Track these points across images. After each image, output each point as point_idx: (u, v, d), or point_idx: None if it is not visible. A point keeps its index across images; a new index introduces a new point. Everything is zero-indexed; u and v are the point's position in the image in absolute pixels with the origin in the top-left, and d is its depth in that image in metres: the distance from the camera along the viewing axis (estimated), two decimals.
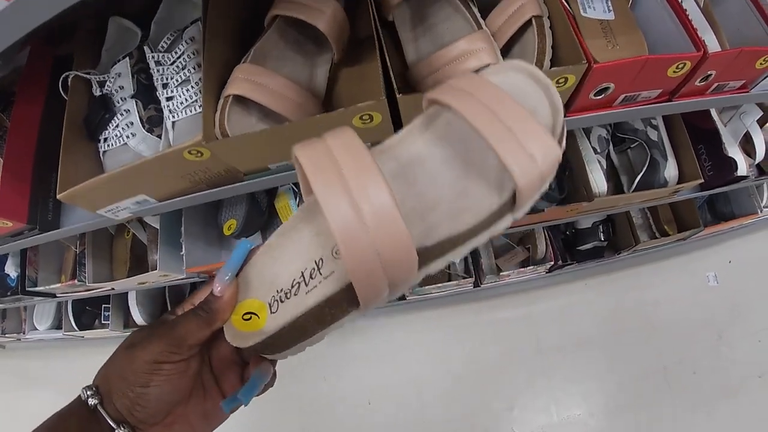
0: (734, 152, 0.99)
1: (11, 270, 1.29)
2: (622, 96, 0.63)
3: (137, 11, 0.76)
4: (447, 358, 1.42)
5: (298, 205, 0.88)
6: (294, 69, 0.61)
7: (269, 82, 0.55)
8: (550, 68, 0.55)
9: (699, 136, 1.01)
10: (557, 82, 0.55)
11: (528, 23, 0.58)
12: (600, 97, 0.61)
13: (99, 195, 0.66)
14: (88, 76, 0.74)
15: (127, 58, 0.73)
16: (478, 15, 0.59)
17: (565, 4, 0.62)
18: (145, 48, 0.70)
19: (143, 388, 0.33)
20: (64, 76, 0.74)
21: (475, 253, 1.16)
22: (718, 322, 1.45)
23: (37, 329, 1.64)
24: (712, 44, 0.69)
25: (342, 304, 0.32)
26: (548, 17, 0.59)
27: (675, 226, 1.25)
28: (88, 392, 0.33)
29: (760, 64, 0.68)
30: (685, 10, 0.67)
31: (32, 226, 0.79)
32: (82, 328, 1.51)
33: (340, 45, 0.58)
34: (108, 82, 0.72)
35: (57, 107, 0.74)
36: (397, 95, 0.51)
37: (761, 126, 1.07)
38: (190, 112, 0.65)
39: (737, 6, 0.72)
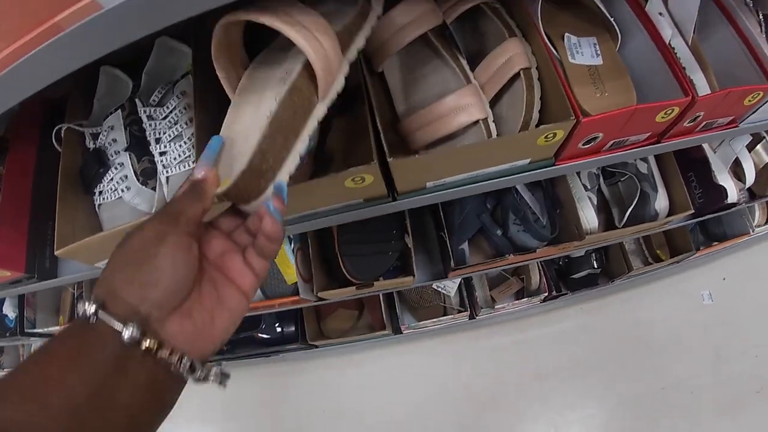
0: (724, 179, 1.01)
1: (9, 310, 1.30)
2: (611, 142, 0.64)
3: (127, 60, 0.77)
4: (445, 386, 1.42)
5: (293, 251, 0.88)
6: None
7: None
8: (539, 126, 0.55)
9: (689, 164, 1.02)
10: (546, 138, 0.56)
11: (516, 75, 0.59)
12: (589, 145, 0.62)
13: (96, 251, 0.66)
14: (80, 129, 0.74)
15: (119, 111, 0.73)
16: (467, 67, 0.60)
17: (552, 50, 0.63)
18: (137, 101, 0.70)
19: (151, 262, 0.32)
20: (57, 128, 0.75)
21: (469, 286, 1.17)
22: (714, 340, 1.46)
23: None
24: (701, 83, 0.70)
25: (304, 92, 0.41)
26: (536, 67, 0.60)
27: (668, 251, 1.26)
28: (85, 304, 0.30)
29: (749, 101, 0.69)
30: (673, 48, 0.69)
31: (30, 275, 0.79)
32: None
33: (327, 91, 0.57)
34: (101, 135, 0.73)
35: (50, 154, 0.74)
36: (389, 159, 0.51)
37: (750, 150, 1.09)
38: (184, 167, 0.65)
39: (725, 41, 0.72)
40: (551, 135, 0.56)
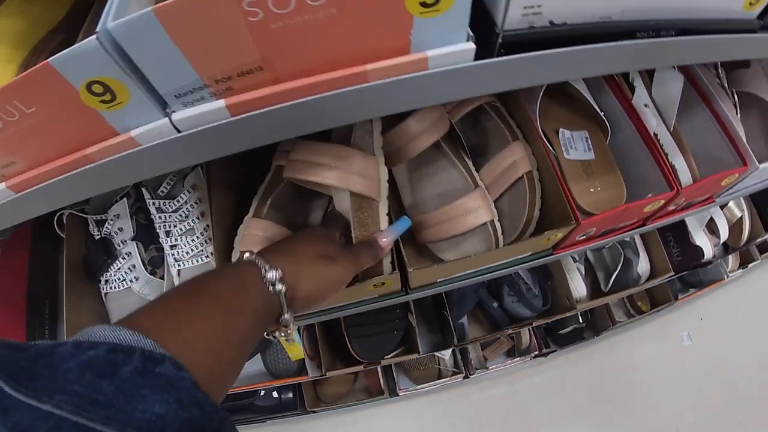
0: (700, 239, 1.08)
1: None
2: (603, 231, 0.70)
3: None
4: None
5: (299, 330, 0.90)
6: (305, 222, 0.66)
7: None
8: (539, 222, 0.61)
9: (667, 225, 1.10)
10: (548, 239, 0.61)
11: (520, 177, 0.64)
12: (583, 237, 0.67)
13: None
14: (84, 216, 0.76)
15: (125, 199, 0.75)
16: (473, 169, 0.65)
17: (549, 147, 0.68)
18: (143, 190, 0.72)
19: (322, 298, 0.46)
20: (59, 213, 0.76)
21: (462, 348, 1.21)
22: (696, 379, 1.53)
23: None
24: (681, 168, 0.76)
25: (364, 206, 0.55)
26: (537, 168, 0.65)
27: (648, 302, 1.34)
28: (276, 274, 0.41)
29: (725, 182, 0.76)
30: (657, 136, 0.75)
31: None
32: None
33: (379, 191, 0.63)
34: (107, 224, 0.74)
35: (46, 234, 0.76)
36: (409, 270, 0.56)
37: (722, 207, 1.17)
38: (197, 261, 0.68)
39: (704, 124, 0.80)
40: (553, 236, 0.61)
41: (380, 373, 1.19)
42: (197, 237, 0.68)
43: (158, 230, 0.71)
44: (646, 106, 0.76)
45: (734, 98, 0.82)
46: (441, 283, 0.66)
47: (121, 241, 0.74)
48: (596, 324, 1.31)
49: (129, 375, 0.27)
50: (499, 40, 0.34)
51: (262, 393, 1.15)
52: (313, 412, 1.18)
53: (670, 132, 0.77)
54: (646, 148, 0.72)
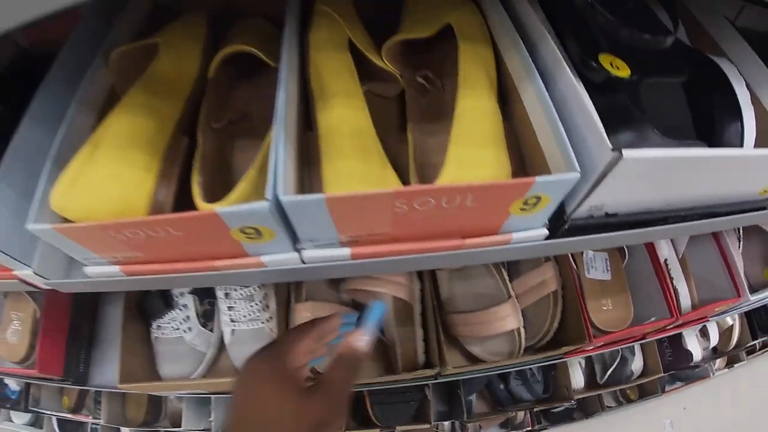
0: (692, 345, 1.20)
1: (11, 382, 1.34)
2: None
3: None
4: None
5: None
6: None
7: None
8: (563, 352, 0.71)
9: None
10: (564, 352, 0.71)
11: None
12: (590, 347, 0.78)
13: (156, 389, 0.77)
14: None
15: None
16: (508, 280, 0.75)
17: (573, 264, 0.79)
18: None
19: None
20: None
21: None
22: None
23: (12, 421, 1.63)
24: (683, 292, 0.88)
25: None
26: (562, 286, 0.76)
27: (637, 391, 1.44)
28: None
29: (720, 308, 0.87)
30: (667, 261, 0.87)
31: (66, 378, 0.88)
32: None
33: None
34: None
35: None
36: (447, 368, 0.66)
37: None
38: (253, 325, 0.77)
39: (708, 254, 0.92)
40: (568, 349, 0.72)
41: None
42: (256, 304, 0.78)
43: (218, 290, 0.80)
44: None
45: (739, 232, 0.94)
46: (466, 373, 0.76)
47: (180, 293, 0.83)
48: (586, 407, 1.40)
49: None
50: (565, 227, 0.45)
51: None
52: None
53: (678, 259, 0.88)
54: (655, 274, 0.84)
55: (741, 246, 0.94)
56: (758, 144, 0.47)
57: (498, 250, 0.44)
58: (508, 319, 0.71)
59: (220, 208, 0.34)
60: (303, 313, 0.70)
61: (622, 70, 0.44)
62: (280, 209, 0.36)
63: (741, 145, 0.48)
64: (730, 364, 1.59)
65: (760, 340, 1.41)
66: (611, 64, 0.44)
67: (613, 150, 0.34)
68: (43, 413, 1.27)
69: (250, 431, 0.36)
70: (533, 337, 0.75)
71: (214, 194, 0.39)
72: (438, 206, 0.35)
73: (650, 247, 0.86)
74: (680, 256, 0.89)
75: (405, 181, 0.42)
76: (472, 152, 0.38)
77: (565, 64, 0.40)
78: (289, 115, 0.39)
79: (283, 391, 0.37)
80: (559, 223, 0.44)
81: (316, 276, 0.48)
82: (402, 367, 0.68)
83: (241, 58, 0.47)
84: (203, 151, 0.42)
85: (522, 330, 0.72)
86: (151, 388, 0.77)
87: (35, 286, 0.48)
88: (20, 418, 1.63)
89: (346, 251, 0.43)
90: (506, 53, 0.45)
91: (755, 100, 0.47)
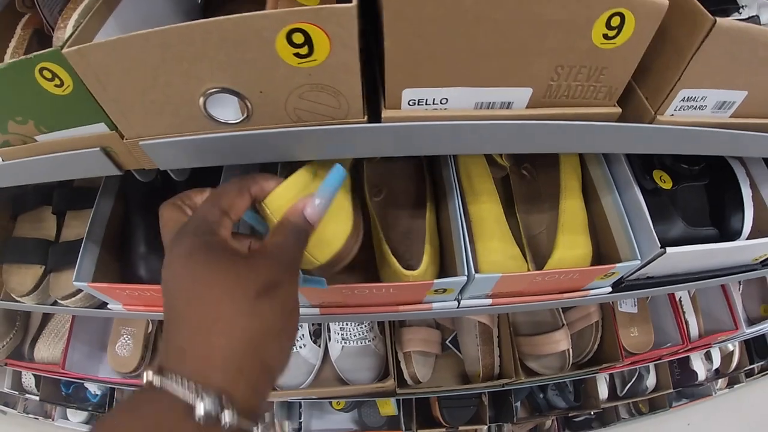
0: (698, 366, 1.45)
1: (92, 385, 1.59)
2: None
3: None
4: None
5: None
6: None
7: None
8: (600, 367, 0.96)
9: None
10: (601, 368, 0.97)
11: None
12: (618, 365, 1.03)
13: (277, 396, 1.01)
14: None
15: None
16: (561, 312, 1.00)
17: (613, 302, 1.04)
18: None
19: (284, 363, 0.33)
20: None
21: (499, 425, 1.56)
22: None
23: (68, 419, 1.85)
24: (693, 323, 1.13)
25: None
26: (602, 317, 1.02)
27: (648, 405, 1.69)
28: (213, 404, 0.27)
29: (721, 338, 1.12)
30: (680, 298, 1.12)
31: None
32: None
33: None
34: None
35: None
36: (521, 378, 0.91)
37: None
38: (361, 344, 1.01)
39: (714, 293, 1.16)
40: (607, 366, 0.97)
41: None
42: (365, 325, 1.02)
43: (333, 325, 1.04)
44: None
45: None
46: (525, 382, 1.01)
47: (300, 336, 1.05)
48: (604, 417, 1.65)
49: None
50: (622, 285, 0.70)
51: None
52: None
53: (690, 297, 1.14)
54: (671, 309, 1.09)
55: (741, 288, 1.19)
56: (755, 226, 0.70)
57: (580, 300, 0.69)
58: (560, 342, 0.96)
59: (438, 280, 0.56)
60: (408, 335, 0.95)
61: (667, 183, 0.69)
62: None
63: (741, 229, 0.72)
64: (730, 384, 1.84)
65: (758, 364, 1.67)
66: (660, 178, 0.69)
67: (660, 247, 0.59)
68: None
69: (191, 323, 0.30)
70: (578, 356, 1.00)
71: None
72: (556, 278, 0.60)
73: None
74: (691, 295, 1.15)
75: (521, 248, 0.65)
76: (572, 238, 0.63)
77: (631, 178, 0.64)
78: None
79: (222, 262, 0.32)
80: (618, 284, 0.69)
81: (458, 315, 0.73)
82: (482, 377, 0.92)
83: None
84: (379, 222, 0.63)
85: (570, 351, 0.97)
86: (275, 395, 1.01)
87: None
88: (77, 416, 1.86)
89: (489, 301, 0.66)
90: (591, 165, 0.69)
91: (757, 197, 0.71)
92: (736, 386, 1.85)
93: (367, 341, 1.02)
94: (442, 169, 0.67)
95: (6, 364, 1.33)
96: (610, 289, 0.67)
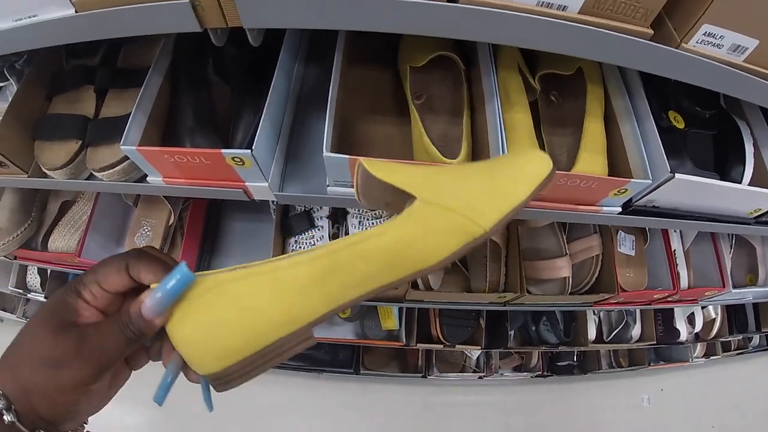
0: (681, 325, 1.62)
1: None
2: (625, 301, 1.22)
3: None
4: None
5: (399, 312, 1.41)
6: None
7: None
8: (597, 299, 1.12)
9: (660, 309, 1.64)
10: (597, 299, 1.12)
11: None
12: (613, 301, 1.19)
13: None
14: None
15: None
16: (566, 242, 1.15)
17: (613, 237, 1.20)
18: None
19: (74, 406, 0.39)
20: None
21: (488, 354, 1.73)
22: None
23: None
24: (684, 275, 1.29)
25: None
26: (602, 252, 1.17)
27: (628, 360, 1.88)
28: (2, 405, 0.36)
29: (708, 293, 1.29)
30: (674, 251, 1.28)
31: None
32: None
33: None
34: None
35: None
36: (528, 293, 1.06)
37: (702, 308, 1.72)
38: None
39: (706, 252, 1.33)
40: (600, 298, 1.13)
41: (420, 357, 1.69)
42: (382, 220, 1.16)
43: (352, 218, 1.18)
44: (675, 231, 1.28)
45: (732, 239, 1.35)
46: (527, 305, 1.17)
47: (319, 217, 1.20)
48: (585, 365, 1.84)
49: None
50: (630, 209, 0.84)
51: (327, 347, 1.64)
52: (360, 373, 1.67)
53: (683, 251, 1.30)
54: (666, 258, 1.25)
55: (732, 252, 1.35)
56: (754, 181, 0.83)
57: (591, 215, 0.82)
58: (562, 269, 1.11)
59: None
60: None
61: (680, 123, 0.83)
62: None
63: (741, 182, 0.85)
64: (707, 355, 2.04)
65: (735, 338, 1.86)
66: (674, 118, 0.83)
67: (670, 172, 0.73)
68: None
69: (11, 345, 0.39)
70: (577, 285, 1.15)
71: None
72: (576, 185, 0.74)
73: (665, 239, 1.27)
74: (685, 249, 1.30)
75: None
76: (593, 157, 0.76)
77: (649, 112, 0.77)
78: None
79: (46, 322, 0.39)
80: (627, 206, 0.82)
81: None
82: (488, 290, 1.08)
83: None
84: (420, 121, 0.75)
85: (570, 279, 1.13)
86: None
87: (249, 197, 0.78)
88: None
89: None
90: (613, 97, 0.82)
91: (758, 155, 0.85)
92: (712, 357, 2.05)
93: None
94: (482, 79, 0.77)
95: (15, 258, 1.39)
96: (619, 209, 0.81)
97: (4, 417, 0.36)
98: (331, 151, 0.65)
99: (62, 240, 1.30)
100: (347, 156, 0.65)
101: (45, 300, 1.67)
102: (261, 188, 0.75)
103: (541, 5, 0.49)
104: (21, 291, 1.77)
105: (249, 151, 0.66)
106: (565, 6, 0.49)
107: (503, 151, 0.70)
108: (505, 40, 0.53)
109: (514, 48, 0.82)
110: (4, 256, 1.39)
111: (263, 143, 0.69)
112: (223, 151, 0.66)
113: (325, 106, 0.69)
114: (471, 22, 0.50)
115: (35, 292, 1.77)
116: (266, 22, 0.51)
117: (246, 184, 0.74)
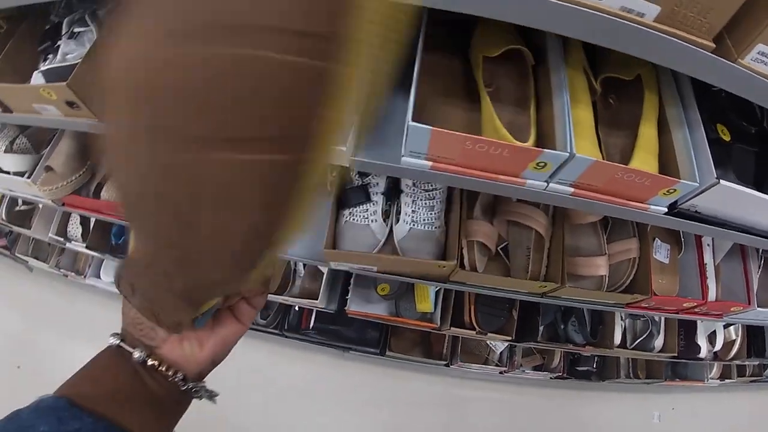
0: (702, 341, 1.72)
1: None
2: (655, 306, 1.32)
3: None
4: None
5: (435, 292, 1.52)
6: None
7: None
8: (631, 301, 1.22)
9: (682, 321, 1.73)
10: (631, 299, 1.23)
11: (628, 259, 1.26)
12: (644, 305, 1.29)
13: (348, 258, 1.26)
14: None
15: None
16: (605, 241, 1.25)
17: (650, 244, 1.30)
18: None
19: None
20: None
21: (511, 351, 1.83)
22: None
23: (101, 278, 2.10)
24: (712, 288, 1.39)
25: None
26: (639, 256, 1.27)
27: (645, 372, 1.98)
28: (112, 338, 0.47)
29: (734, 309, 1.38)
30: (706, 264, 1.38)
31: None
32: None
33: None
34: (371, 176, 1.30)
35: None
36: (566, 286, 1.17)
37: (725, 328, 1.81)
38: (428, 228, 1.26)
39: (736, 269, 1.42)
40: (632, 299, 1.23)
41: (446, 344, 1.80)
42: (434, 213, 1.25)
43: (405, 197, 1.27)
44: (708, 245, 1.39)
45: (761, 261, 1.45)
46: (563, 298, 1.27)
47: (374, 192, 1.26)
48: (604, 372, 1.94)
49: (26, 415, 0.40)
50: (675, 210, 0.94)
51: (356, 325, 1.75)
52: (385, 355, 1.79)
53: (714, 265, 1.40)
54: (697, 269, 1.35)
55: (759, 272, 1.45)
56: None
57: (639, 213, 0.92)
58: (600, 267, 1.22)
59: (546, 150, 0.77)
60: (474, 227, 1.20)
61: (726, 136, 0.93)
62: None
63: None
64: (722, 377, 2.13)
65: (751, 362, 1.96)
66: (721, 131, 0.93)
67: (716, 178, 0.83)
68: None
69: None
70: (612, 286, 1.26)
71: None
72: (632, 179, 0.84)
73: (698, 251, 1.37)
74: (716, 264, 1.40)
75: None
76: (646, 157, 0.86)
77: (700, 122, 0.86)
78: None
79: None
80: (672, 208, 0.92)
81: (543, 199, 0.96)
82: (530, 277, 1.19)
83: None
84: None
85: (606, 278, 1.23)
86: (345, 257, 1.26)
87: None
88: (110, 275, 2.08)
89: (571, 190, 0.87)
90: (668, 104, 0.91)
91: None
92: (726, 381, 2.13)
93: (434, 227, 1.24)
94: (551, 75, 0.86)
95: (63, 204, 1.49)
96: (665, 209, 0.90)
97: (111, 340, 0.47)
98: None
99: None
100: (430, 126, 0.73)
101: (85, 249, 1.83)
102: (338, 152, 0.83)
103: (623, 9, 0.58)
104: (61, 239, 1.86)
105: None
106: (643, 13, 0.58)
107: (570, 144, 0.78)
108: (588, 37, 0.62)
109: (581, 49, 0.91)
110: (51, 201, 1.47)
111: None
112: None
113: (401, 80, 0.78)
114: (561, 17, 0.59)
115: (75, 241, 1.86)
116: None
117: None
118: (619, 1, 0.57)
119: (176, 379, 0.48)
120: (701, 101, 0.90)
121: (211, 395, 0.52)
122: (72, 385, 0.45)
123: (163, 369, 0.47)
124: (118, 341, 0.47)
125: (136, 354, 0.46)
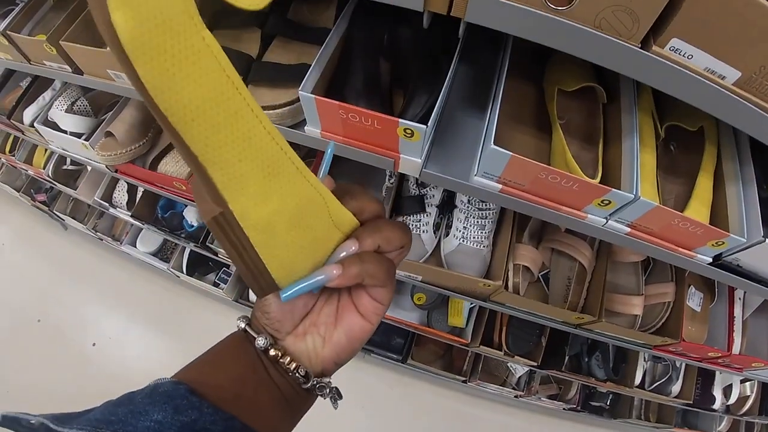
0: (717, 393, 1.80)
1: (191, 217, 1.88)
2: (682, 352, 1.41)
3: None
4: None
5: (469, 308, 1.62)
6: None
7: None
8: (660, 343, 1.31)
9: (701, 371, 1.82)
10: (662, 341, 1.32)
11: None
12: (670, 349, 1.38)
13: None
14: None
15: None
16: (644, 282, 1.35)
17: (685, 290, 1.39)
18: None
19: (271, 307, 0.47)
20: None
21: (531, 376, 1.93)
22: None
23: (136, 247, 2.20)
24: (738, 340, 1.47)
25: None
26: (673, 301, 1.36)
27: (656, 416, 2.06)
28: (240, 320, 0.49)
29: (755, 365, 1.47)
30: (735, 317, 1.47)
31: None
32: (191, 274, 2.11)
33: None
34: (428, 188, 1.38)
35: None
36: (602, 321, 1.26)
37: (741, 383, 1.90)
38: (475, 246, 1.36)
39: (762, 329, 1.51)
40: (662, 341, 1.32)
41: (467, 361, 1.90)
42: (484, 231, 1.35)
43: (459, 212, 1.36)
44: (739, 299, 1.48)
45: None
46: (595, 332, 1.36)
47: (430, 204, 1.35)
48: (616, 410, 2.03)
49: (140, 400, 0.40)
50: (719, 262, 1.03)
51: (380, 328, 1.84)
52: (405, 363, 1.88)
53: (743, 320, 1.49)
54: (726, 321, 1.44)
55: None
56: None
57: (685, 259, 1.01)
58: (636, 307, 1.31)
59: (614, 190, 0.84)
60: (522, 251, 1.30)
61: None
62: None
63: None
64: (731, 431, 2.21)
65: (762, 421, 2.03)
66: None
67: (762, 236, 0.92)
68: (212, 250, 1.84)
69: None
70: (644, 326, 1.35)
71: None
72: (686, 227, 0.93)
73: (729, 304, 1.46)
74: (744, 318, 1.49)
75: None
76: (700, 207, 0.93)
77: (754, 179, 0.94)
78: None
79: None
80: (716, 259, 1.00)
81: (599, 235, 1.06)
82: (568, 307, 1.28)
83: None
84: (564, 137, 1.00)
85: (640, 318, 1.32)
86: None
87: (395, 168, 0.89)
88: (147, 245, 2.18)
89: (627, 230, 0.95)
90: (725, 159, 0.98)
91: None
92: None
93: (482, 246, 1.32)
94: (622, 115, 0.93)
95: (117, 171, 1.57)
96: (710, 260, 0.96)
97: (238, 323, 0.49)
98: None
99: (174, 165, 1.48)
100: (510, 153, 0.77)
101: (130, 218, 1.91)
102: (412, 163, 0.86)
103: (707, 70, 0.65)
104: (106, 204, 1.95)
105: (424, 126, 0.76)
106: (724, 76, 0.65)
107: (636, 187, 0.84)
108: (672, 91, 0.68)
109: (651, 95, 0.99)
110: (106, 167, 1.56)
111: (432, 123, 0.79)
112: (400, 120, 0.76)
113: (473, 100, 0.86)
114: (652, 70, 0.65)
115: (120, 208, 1.95)
116: (488, 22, 0.64)
117: (400, 155, 0.85)
118: (705, 62, 0.64)
119: (297, 374, 0.47)
120: (756, 158, 0.97)
121: (336, 394, 0.51)
122: (192, 370, 0.46)
123: (285, 362, 0.47)
124: (245, 324, 0.49)
125: (261, 341, 0.47)
